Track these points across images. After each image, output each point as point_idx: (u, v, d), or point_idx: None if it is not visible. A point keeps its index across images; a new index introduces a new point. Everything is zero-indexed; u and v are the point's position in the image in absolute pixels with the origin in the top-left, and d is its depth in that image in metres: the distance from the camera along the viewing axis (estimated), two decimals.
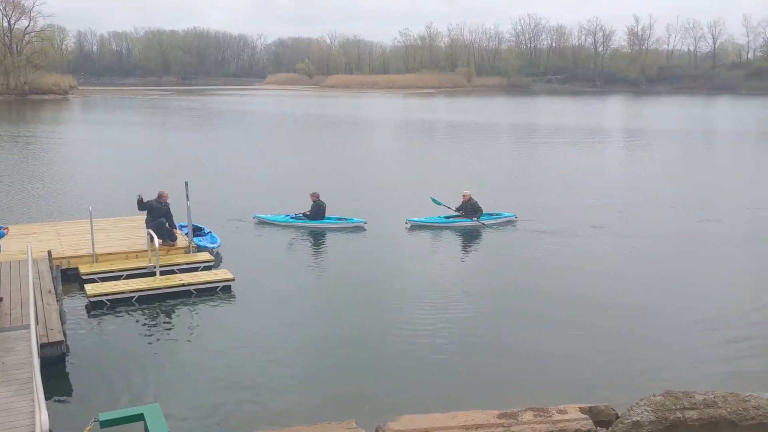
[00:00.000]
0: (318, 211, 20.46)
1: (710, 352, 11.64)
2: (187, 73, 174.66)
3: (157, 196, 17.26)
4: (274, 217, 20.86)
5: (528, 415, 8.13)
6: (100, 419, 6.82)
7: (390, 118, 68.89)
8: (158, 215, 16.70)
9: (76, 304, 13.70)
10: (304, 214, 20.59)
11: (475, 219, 20.54)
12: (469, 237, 19.75)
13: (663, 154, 40.82)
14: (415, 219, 20.60)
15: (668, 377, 10.30)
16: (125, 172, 30.66)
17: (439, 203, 21.26)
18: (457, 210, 20.87)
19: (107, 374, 10.50)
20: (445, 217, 20.75)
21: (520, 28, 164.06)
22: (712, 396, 7.47)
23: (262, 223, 20.65)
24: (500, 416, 8.15)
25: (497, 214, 21.28)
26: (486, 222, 20.60)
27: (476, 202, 20.83)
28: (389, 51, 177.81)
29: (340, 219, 20.70)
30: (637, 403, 7.40)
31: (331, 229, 20.21)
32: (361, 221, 20.56)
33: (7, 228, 12.63)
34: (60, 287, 12.50)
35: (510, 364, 11.10)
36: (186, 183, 16.82)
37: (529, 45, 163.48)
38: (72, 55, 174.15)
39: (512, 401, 8.95)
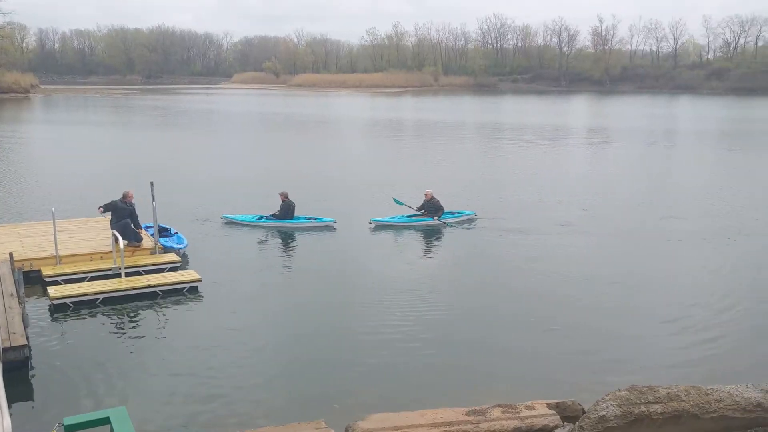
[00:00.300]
0: (287, 210, 20.36)
1: (673, 347, 11.85)
2: (151, 72, 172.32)
3: (121, 196, 17.01)
4: (243, 217, 20.70)
5: (496, 412, 8.18)
6: (65, 423, 6.66)
7: (357, 118, 68.83)
8: (123, 216, 16.45)
9: (39, 307, 13.44)
10: (273, 215, 20.46)
11: (436, 218, 20.64)
12: (433, 236, 19.81)
13: (626, 152, 41.48)
14: (379, 219, 20.58)
15: (633, 372, 10.49)
16: (89, 172, 30.18)
17: (400, 203, 21.32)
18: (419, 209, 20.94)
19: (72, 378, 10.32)
20: (408, 217, 20.79)
21: (486, 27, 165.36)
22: (676, 390, 7.59)
23: (230, 223, 20.47)
24: (469, 413, 8.19)
25: (458, 213, 21.40)
26: (447, 221, 20.71)
27: (438, 200, 20.94)
28: (356, 50, 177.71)
29: (309, 218, 20.61)
30: (603, 398, 7.49)
31: (301, 229, 20.13)
32: (331, 220, 20.51)
33: None
34: (22, 290, 12.23)
35: (478, 361, 11.17)
36: (151, 183, 16.59)
37: (495, 45, 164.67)
38: (33, 54, 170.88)
39: (481, 398, 9.02)
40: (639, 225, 21.30)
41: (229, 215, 20.80)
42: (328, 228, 20.21)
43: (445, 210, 21.03)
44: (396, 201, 21.51)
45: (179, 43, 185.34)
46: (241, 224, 20.35)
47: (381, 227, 20.29)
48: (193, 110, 75.83)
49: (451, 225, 20.57)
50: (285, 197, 20.53)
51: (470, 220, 21.21)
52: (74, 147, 41.39)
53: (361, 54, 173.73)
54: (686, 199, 25.68)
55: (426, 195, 20.95)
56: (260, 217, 20.52)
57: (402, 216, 20.85)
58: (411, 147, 44.74)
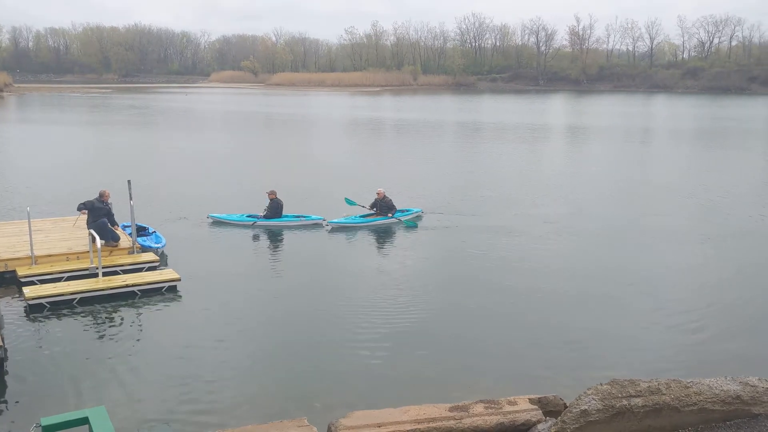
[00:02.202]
0: (276, 209, 20.25)
1: (654, 341, 11.95)
2: (128, 71, 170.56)
3: (98, 195, 16.79)
4: (230, 216, 20.50)
5: (479, 408, 8.19)
6: (42, 424, 6.56)
7: (336, 117, 68.70)
8: (100, 215, 16.25)
9: (13, 307, 13.22)
10: (263, 214, 20.27)
11: (390, 215, 20.62)
12: (395, 234, 19.67)
13: (603, 150, 41.86)
14: (335, 220, 20.29)
15: (614, 366, 10.57)
16: (65, 171, 29.80)
17: (353, 203, 21.22)
18: (372, 207, 20.88)
19: (49, 379, 10.16)
20: (361, 216, 20.63)
21: (464, 27, 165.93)
22: (656, 383, 7.65)
23: (214, 222, 20.28)
24: (452, 409, 8.19)
25: (407, 210, 21.33)
26: (402, 218, 20.64)
27: (390, 199, 20.93)
28: (335, 49, 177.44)
29: (297, 216, 20.51)
30: (584, 393, 7.52)
31: (289, 227, 20.01)
32: (320, 218, 20.41)
33: None
34: None
35: (460, 358, 11.18)
36: (129, 182, 16.42)
37: (473, 44, 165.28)
38: (6, 52, 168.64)
39: (463, 394, 9.03)
40: (618, 221, 21.48)
41: (215, 214, 20.61)
42: (317, 226, 20.09)
43: (397, 208, 21.00)
44: (348, 201, 21.40)
45: (156, 41, 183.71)
46: (229, 223, 20.17)
47: (338, 229, 20.00)
48: (171, 109, 75.17)
49: (412, 224, 20.36)
50: (273, 195, 20.41)
51: (418, 217, 21.17)
52: (49, 146, 40.82)
53: (340, 53, 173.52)
54: (664, 196, 25.94)
55: (378, 194, 20.89)
56: (249, 216, 20.36)
57: (356, 216, 20.58)
58: (385, 146, 44.72)
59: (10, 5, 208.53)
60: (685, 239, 19.40)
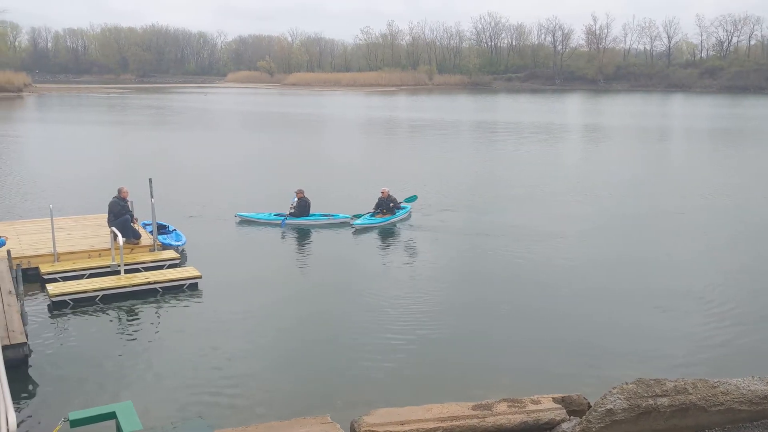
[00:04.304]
0: (304, 207, 20.31)
1: (680, 340, 11.86)
2: (145, 71, 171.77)
3: (117, 193, 16.91)
4: (258, 215, 20.58)
5: (502, 406, 8.17)
6: (70, 418, 6.64)
7: (353, 116, 68.76)
8: (121, 213, 16.37)
9: (37, 304, 13.36)
10: (290, 213, 20.34)
11: (396, 210, 20.69)
12: (415, 233, 19.58)
13: (622, 148, 41.57)
14: (359, 222, 20.20)
15: (639, 365, 10.49)
16: (86, 170, 30.06)
17: (359, 216, 20.74)
18: (376, 208, 20.83)
19: (73, 375, 10.26)
20: (376, 217, 20.49)
21: (480, 26, 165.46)
22: (683, 383, 7.60)
23: (242, 221, 20.36)
24: (475, 407, 8.18)
25: (404, 208, 21.23)
26: (402, 202, 20.99)
27: (395, 198, 20.98)
28: (351, 49, 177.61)
29: (325, 215, 20.57)
30: (609, 392, 7.49)
31: (316, 226, 20.06)
32: (347, 217, 20.45)
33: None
34: (21, 288, 12.15)
35: (484, 356, 11.15)
36: (150, 180, 16.55)
37: (489, 43, 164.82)
38: (25, 52, 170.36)
39: (486, 393, 9.01)
40: (640, 219, 21.37)
41: (243, 213, 20.69)
42: (344, 225, 20.14)
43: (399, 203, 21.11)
44: (355, 221, 20.92)
45: (173, 42, 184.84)
46: (253, 222, 20.23)
47: (361, 230, 19.91)
48: (189, 109, 75.58)
49: (411, 198, 20.89)
50: (301, 194, 20.49)
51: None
52: (70, 145, 41.21)
53: (356, 53, 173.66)
54: (686, 194, 25.73)
55: (382, 193, 20.91)
56: (276, 215, 20.44)
57: (376, 218, 20.49)
58: (405, 145, 44.72)
59: (29, 6, 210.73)
60: (711, 237, 19.27)
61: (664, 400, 7.33)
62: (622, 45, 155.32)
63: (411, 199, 21.37)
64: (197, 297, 13.99)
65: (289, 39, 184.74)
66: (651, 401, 7.31)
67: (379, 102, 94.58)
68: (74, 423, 6.66)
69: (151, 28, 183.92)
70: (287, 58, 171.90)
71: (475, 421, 7.90)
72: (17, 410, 7.98)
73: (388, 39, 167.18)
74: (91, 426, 6.78)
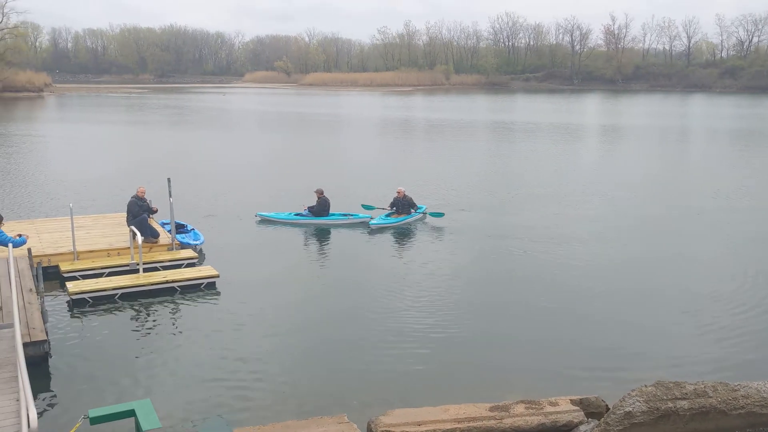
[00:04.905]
0: (323, 207, 20.38)
1: (700, 342, 11.76)
2: (164, 71, 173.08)
3: (136, 192, 17.05)
4: (278, 214, 20.67)
5: (520, 408, 8.15)
6: (90, 416, 6.71)
7: (370, 116, 68.81)
8: (139, 212, 16.51)
9: (57, 302, 13.49)
10: (309, 209, 20.44)
11: (413, 211, 20.67)
12: (430, 233, 19.55)
13: (643, 149, 41.26)
14: (375, 222, 20.19)
15: (657, 367, 10.39)
16: (106, 169, 30.31)
17: (370, 207, 21.17)
18: (392, 206, 20.85)
19: (92, 372, 10.35)
20: (392, 217, 20.52)
21: (498, 26, 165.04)
22: (702, 386, 7.54)
23: (261, 221, 20.44)
24: (492, 409, 8.16)
25: (420, 207, 21.21)
26: (426, 212, 20.86)
27: (410, 197, 20.96)
28: (368, 49, 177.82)
29: (345, 215, 20.63)
30: (628, 394, 7.45)
31: (335, 226, 20.12)
32: (367, 216, 20.50)
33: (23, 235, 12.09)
34: (41, 285, 12.28)
35: (501, 357, 11.12)
36: (168, 179, 16.67)
37: (507, 43, 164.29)
38: (46, 53, 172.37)
39: (503, 394, 8.98)
40: (658, 220, 21.19)
41: (263, 213, 20.78)
42: (363, 224, 20.17)
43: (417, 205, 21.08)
44: (364, 207, 21.36)
45: (191, 42, 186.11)
46: (271, 221, 20.31)
47: (378, 229, 19.92)
48: (207, 109, 76.02)
49: (438, 214, 20.53)
50: (321, 194, 20.54)
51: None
52: (90, 145, 41.61)
53: (372, 53, 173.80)
54: (705, 195, 25.48)
55: (398, 193, 20.87)
56: (297, 215, 20.52)
57: (392, 218, 20.50)
58: (422, 145, 44.62)
59: (50, 7, 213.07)
60: (732, 239, 19.06)
61: (684, 403, 7.27)
62: (641, 45, 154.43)
63: (437, 215, 20.83)
64: (215, 296, 14.06)
65: (306, 39, 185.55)
66: (670, 404, 7.26)
67: (395, 102, 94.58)
68: (94, 420, 6.73)
69: (169, 29, 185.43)
70: (304, 58, 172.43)
71: (492, 423, 7.89)
72: (37, 407, 8.05)
73: (405, 39, 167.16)
74: (110, 423, 6.84)
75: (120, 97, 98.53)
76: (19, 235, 11.44)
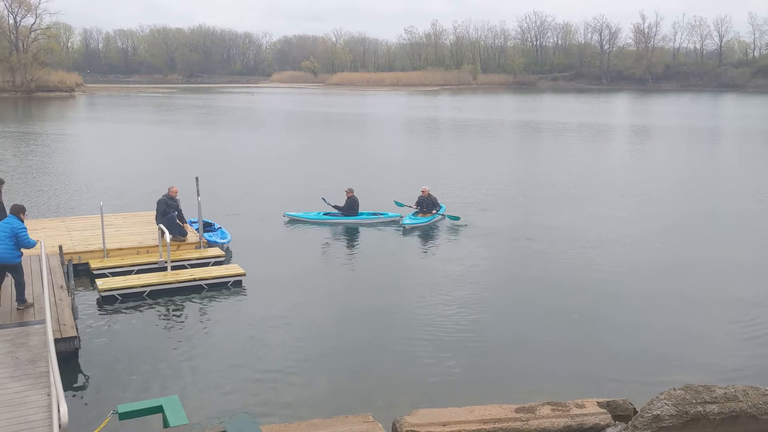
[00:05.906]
0: (352, 206, 20.44)
1: (730, 345, 11.58)
2: (192, 71, 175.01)
3: (167, 191, 17.25)
4: (307, 214, 20.77)
5: (546, 410, 8.09)
6: (119, 411, 6.81)
7: (397, 116, 68.86)
8: (168, 211, 16.69)
9: (87, 299, 13.70)
10: (336, 207, 20.51)
11: (434, 212, 20.62)
12: (455, 234, 19.45)
13: (674, 149, 40.73)
14: (408, 221, 20.15)
15: (686, 370, 10.25)
16: (136, 168, 30.72)
17: (401, 204, 21.37)
18: (417, 205, 20.85)
19: (122, 368, 10.49)
20: (419, 217, 20.52)
21: (525, 25, 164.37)
22: (733, 390, 7.42)
23: (290, 220, 20.54)
24: (518, 410, 8.11)
25: (441, 207, 21.08)
26: (444, 214, 20.74)
27: (435, 197, 20.94)
28: (394, 49, 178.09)
29: (374, 214, 20.68)
30: (657, 397, 7.35)
31: (364, 225, 20.17)
32: (397, 216, 20.52)
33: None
34: (72, 282, 12.48)
35: (526, 359, 11.05)
36: (197, 178, 16.83)
37: (534, 42, 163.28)
38: (78, 53, 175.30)
39: (529, 395, 8.92)
40: (688, 222, 20.91)
41: (291, 213, 20.89)
42: (393, 223, 20.19)
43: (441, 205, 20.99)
44: (396, 203, 21.51)
45: (219, 42, 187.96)
46: (300, 221, 20.38)
47: (408, 229, 19.91)
48: (236, 109, 76.65)
49: (455, 218, 20.34)
50: (351, 193, 20.61)
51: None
52: (120, 144, 42.21)
53: (399, 53, 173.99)
54: (739, 196, 25.09)
55: (423, 192, 20.88)
56: (326, 214, 20.60)
57: (420, 217, 20.53)
58: (449, 144, 44.51)
59: (82, 8, 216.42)
60: (762, 240, 18.71)
61: (714, 407, 7.16)
62: (671, 44, 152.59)
63: (454, 218, 20.66)
64: (241, 294, 14.18)
65: (333, 39, 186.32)
66: (700, 408, 7.15)
67: (422, 102, 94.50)
68: (123, 416, 6.83)
69: (198, 29, 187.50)
70: (331, 58, 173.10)
71: (518, 424, 7.84)
72: (68, 401, 8.17)
73: (432, 38, 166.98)
74: (138, 419, 6.93)
75: (149, 97, 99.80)
76: None
